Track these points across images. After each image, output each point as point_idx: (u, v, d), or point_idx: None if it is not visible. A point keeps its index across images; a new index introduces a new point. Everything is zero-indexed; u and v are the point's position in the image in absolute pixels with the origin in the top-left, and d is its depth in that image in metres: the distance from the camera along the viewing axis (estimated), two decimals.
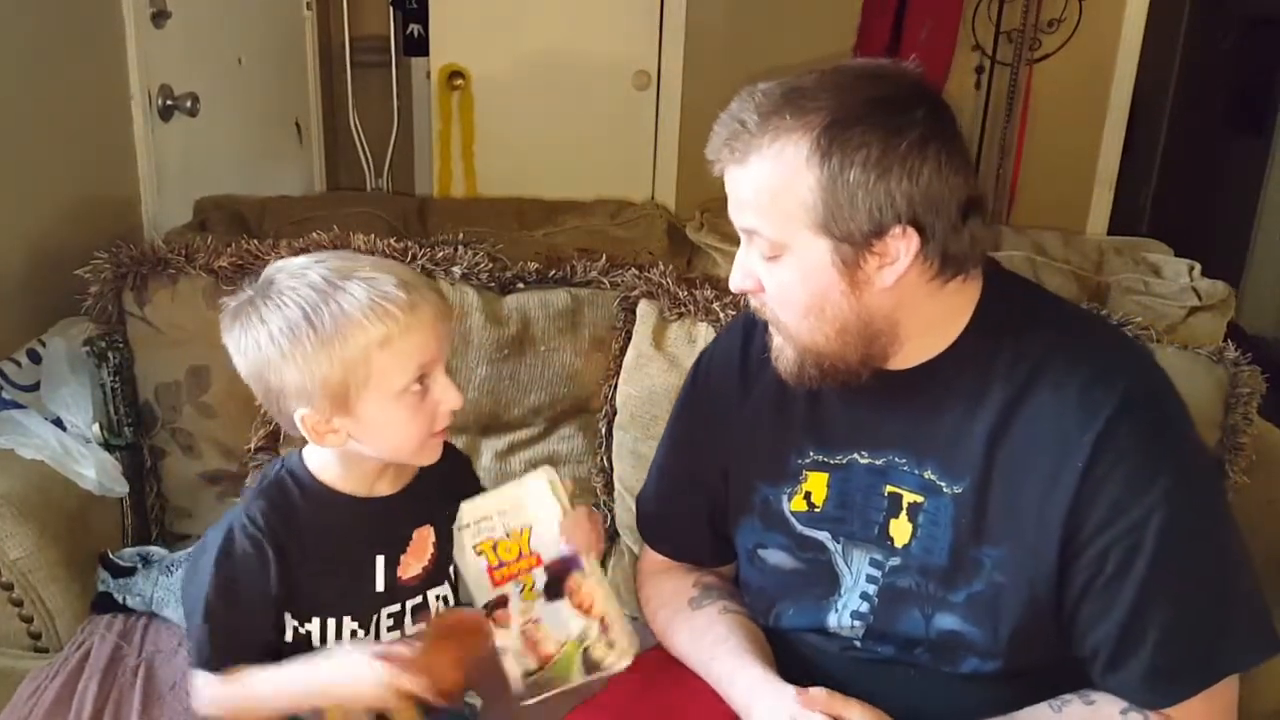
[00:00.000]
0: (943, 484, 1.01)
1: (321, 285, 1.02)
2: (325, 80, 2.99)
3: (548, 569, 1.09)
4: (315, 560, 1.09)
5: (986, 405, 0.99)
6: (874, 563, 1.05)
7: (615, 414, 1.60)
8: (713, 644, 1.12)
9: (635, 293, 1.62)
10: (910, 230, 0.93)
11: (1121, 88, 3.11)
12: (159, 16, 2.05)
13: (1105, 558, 0.94)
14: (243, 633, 1.06)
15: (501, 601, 1.09)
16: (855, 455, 1.07)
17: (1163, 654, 0.95)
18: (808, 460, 1.09)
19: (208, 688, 1.05)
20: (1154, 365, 1.03)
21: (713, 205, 2.09)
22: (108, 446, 1.62)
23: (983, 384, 0.99)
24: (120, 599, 1.52)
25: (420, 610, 1.16)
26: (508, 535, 1.10)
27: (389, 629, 1.15)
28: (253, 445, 1.62)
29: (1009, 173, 3.20)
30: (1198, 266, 1.80)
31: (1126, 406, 0.95)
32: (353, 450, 1.07)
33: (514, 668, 1.08)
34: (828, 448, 1.08)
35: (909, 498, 1.03)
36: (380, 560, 1.12)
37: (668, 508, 1.25)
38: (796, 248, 0.95)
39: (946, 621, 1.02)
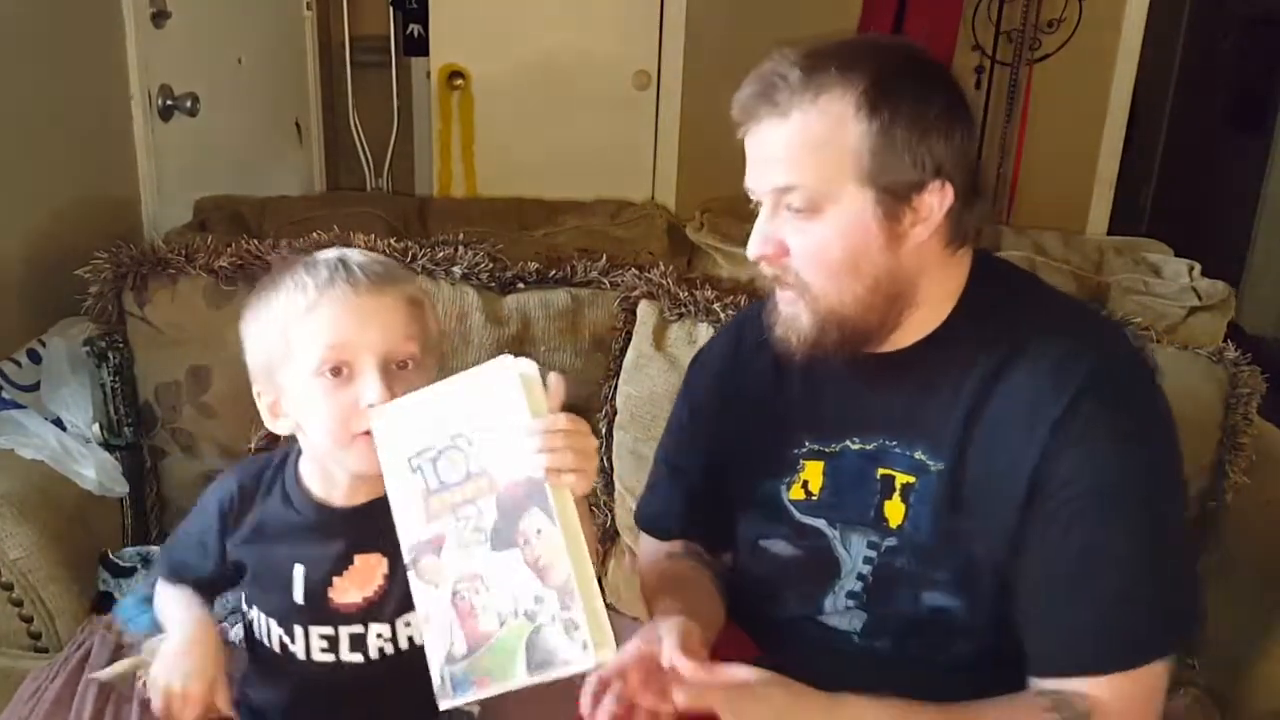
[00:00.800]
0: (930, 462, 1.03)
1: (286, 264, 1.03)
2: (325, 80, 2.98)
3: (500, 499, 0.80)
4: (249, 539, 1.11)
5: (969, 383, 1.00)
6: (871, 544, 1.06)
7: (615, 414, 1.60)
8: (672, 585, 1.14)
9: (635, 293, 1.62)
10: (947, 185, 0.96)
11: (1121, 87, 3.11)
12: (159, 16, 2.05)
13: (1051, 520, 0.95)
14: (180, 552, 1.15)
15: (434, 545, 0.82)
16: (847, 442, 1.07)
17: (1091, 623, 0.95)
18: (804, 449, 1.10)
19: (157, 591, 1.16)
20: (1129, 343, 1.05)
21: (713, 205, 2.09)
22: (108, 446, 1.62)
23: (967, 363, 1.01)
24: (120, 599, 1.52)
25: (359, 642, 1.08)
26: (454, 445, 0.82)
27: (322, 650, 1.09)
28: (253, 445, 1.62)
29: (1009, 173, 3.20)
30: (1198, 266, 1.80)
31: (1094, 381, 0.96)
32: (307, 444, 1.06)
33: (434, 653, 0.81)
34: (822, 437, 1.09)
35: (901, 479, 1.04)
36: (299, 570, 1.07)
37: (664, 499, 1.25)
38: (840, 200, 0.96)
39: (934, 599, 1.03)
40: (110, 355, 1.62)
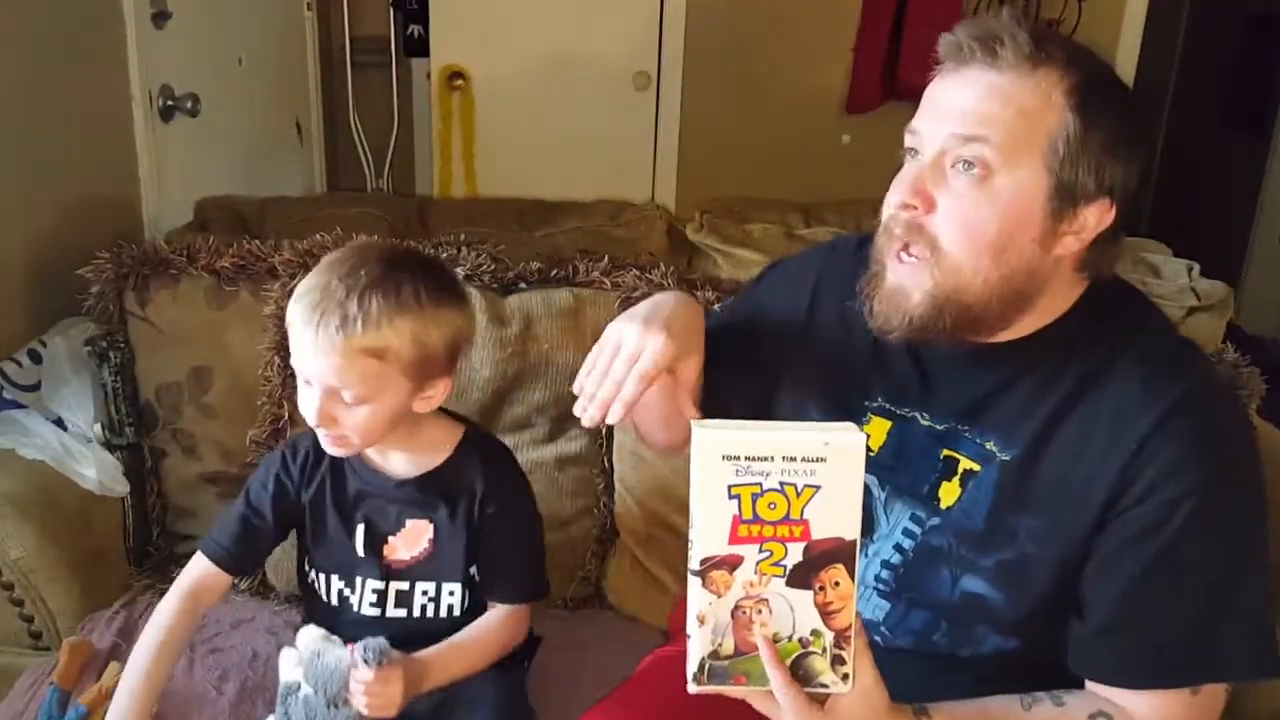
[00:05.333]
0: (998, 453, 1.01)
1: (332, 261, 1.18)
2: (325, 80, 2.99)
3: (809, 548, 0.86)
4: (315, 499, 1.27)
5: (1059, 385, 0.99)
6: (915, 519, 1.05)
7: None
8: None
9: (636, 293, 1.62)
10: (1113, 209, 0.94)
11: None
12: (159, 17, 2.05)
13: (1126, 526, 0.95)
14: (233, 523, 1.27)
15: (729, 563, 0.86)
16: (918, 414, 1.06)
17: (1152, 637, 0.95)
18: (875, 404, 1.08)
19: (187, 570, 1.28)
20: (1222, 376, 1.03)
21: (713, 206, 2.08)
22: (109, 446, 1.62)
23: (1062, 366, 1.00)
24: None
25: (405, 598, 1.25)
26: (781, 489, 0.86)
27: (371, 604, 1.25)
28: (247, 441, 1.62)
29: None
30: (1196, 267, 1.80)
31: (1186, 400, 0.95)
32: None
33: (699, 644, 0.87)
34: (895, 398, 1.07)
35: (965, 464, 1.03)
36: (361, 528, 1.25)
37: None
38: (1019, 171, 0.93)
39: (972, 584, 1.02)
40: (111, 355, 1.62)
